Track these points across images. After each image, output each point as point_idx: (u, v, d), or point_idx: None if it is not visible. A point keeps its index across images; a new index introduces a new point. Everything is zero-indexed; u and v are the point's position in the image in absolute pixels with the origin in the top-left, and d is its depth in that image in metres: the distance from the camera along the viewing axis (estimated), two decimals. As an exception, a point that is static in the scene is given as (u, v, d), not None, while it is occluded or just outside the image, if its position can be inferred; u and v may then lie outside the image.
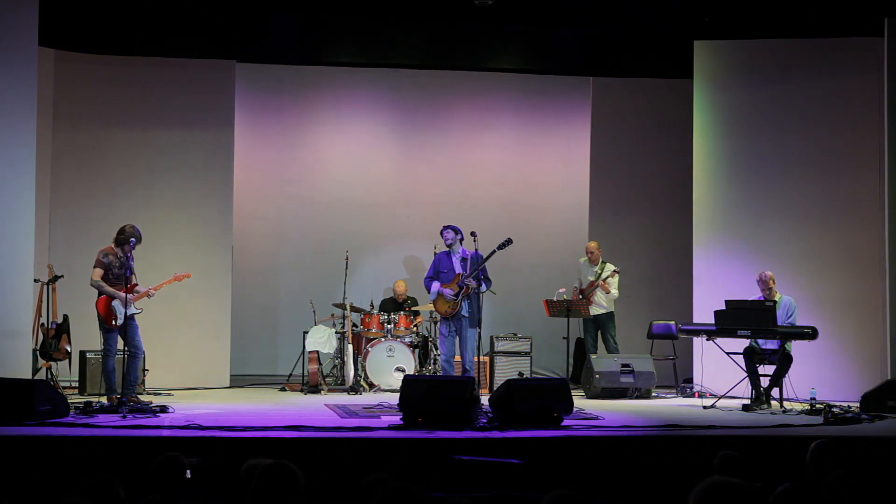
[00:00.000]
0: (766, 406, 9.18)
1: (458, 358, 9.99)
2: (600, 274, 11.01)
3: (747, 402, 9.29)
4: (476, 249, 9.78)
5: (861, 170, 10.54)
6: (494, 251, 9.78)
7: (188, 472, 4.61)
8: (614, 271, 11.00)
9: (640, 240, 12.18)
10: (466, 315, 9.79)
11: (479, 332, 9.65)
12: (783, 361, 9.32)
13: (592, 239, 11.70)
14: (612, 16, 11.47)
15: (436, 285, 9.95)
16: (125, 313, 9.01)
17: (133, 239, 9.02)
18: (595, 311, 11.04)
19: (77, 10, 10.71)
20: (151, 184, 11.08)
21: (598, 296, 11.01)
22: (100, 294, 9.05)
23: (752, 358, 9.43)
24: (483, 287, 9.83)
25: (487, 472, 6.33)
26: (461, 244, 10.04)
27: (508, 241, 9.87)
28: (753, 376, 9.39)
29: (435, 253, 10.88)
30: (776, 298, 9.53)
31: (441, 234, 10.13)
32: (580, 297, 11.03)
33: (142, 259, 9.45)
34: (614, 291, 11.03)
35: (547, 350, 12.01)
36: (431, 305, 10.43)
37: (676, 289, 11.73)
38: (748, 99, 11.01)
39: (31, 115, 9.56)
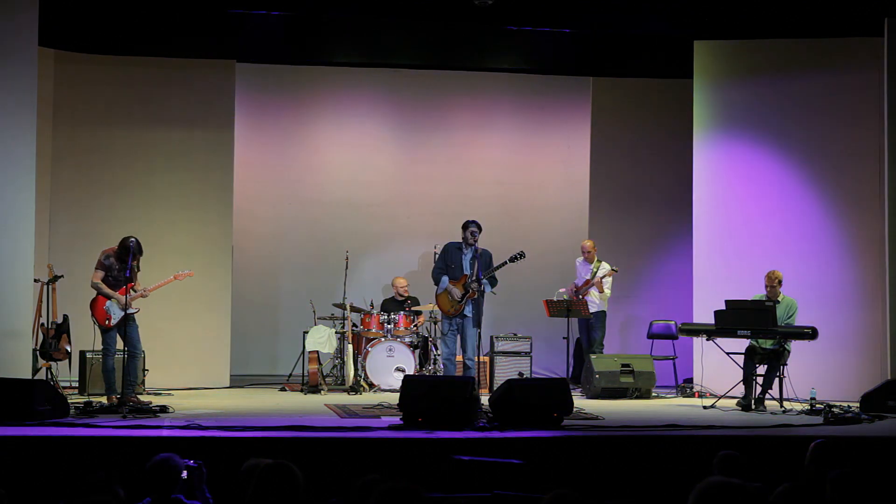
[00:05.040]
0: (762, 408, 9.16)
1: (459, 358, 9.99)
2: (595, 272, 11.01)
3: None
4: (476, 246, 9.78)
5: (861, 169, 10.54)
6: (505, 262, 9.77)
7: (184, 472, 4.60)
8: (612, 270, 10.99)
9: (640, 240, 12.17)
10: (469, 315, 9.79)
11: (480, 333, 9.65)
12: (777, 356, 9.30)
13: (590, 238, 11.68)
14: (613, 16, 11.46)
15: (445, 280, 9.94)
16: (123, 313, 9.00)
17: (130, 251, 8.94)
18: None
19: (77, 10, 10.70)
20: (151, 184, 11.08)
21: (592, 294, 11.00)
22: (98, 294, 9.05)
23: (753, 358, 9.41)
24: (487, 288, 9.82)
25: (487, 472, 6.32)
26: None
27: (521, 255, 9.85)
28: (748, 380, 9.35)
29: (435, 252, 10.86)
30: (779, 299, 9.52)
31: (470, 232, 9.83)
32: (577, 295, 11.02)
33: (142, 259, 9.43)
34: (607, 290, 11.02)
35: (547, 350, 12.00)
36: (432, 305, 10.41)
37: (676, 289, 11.73)
38: (748, 99, 11.01)
39: (31, 115, 9.55)
